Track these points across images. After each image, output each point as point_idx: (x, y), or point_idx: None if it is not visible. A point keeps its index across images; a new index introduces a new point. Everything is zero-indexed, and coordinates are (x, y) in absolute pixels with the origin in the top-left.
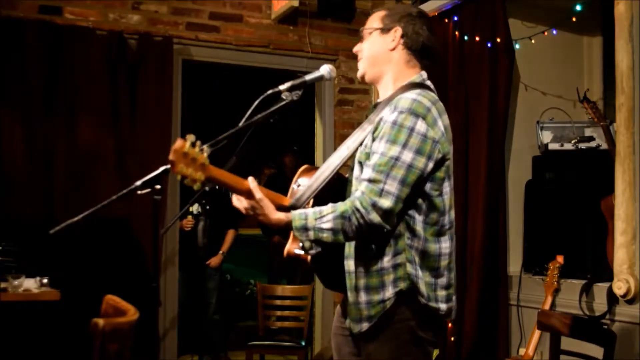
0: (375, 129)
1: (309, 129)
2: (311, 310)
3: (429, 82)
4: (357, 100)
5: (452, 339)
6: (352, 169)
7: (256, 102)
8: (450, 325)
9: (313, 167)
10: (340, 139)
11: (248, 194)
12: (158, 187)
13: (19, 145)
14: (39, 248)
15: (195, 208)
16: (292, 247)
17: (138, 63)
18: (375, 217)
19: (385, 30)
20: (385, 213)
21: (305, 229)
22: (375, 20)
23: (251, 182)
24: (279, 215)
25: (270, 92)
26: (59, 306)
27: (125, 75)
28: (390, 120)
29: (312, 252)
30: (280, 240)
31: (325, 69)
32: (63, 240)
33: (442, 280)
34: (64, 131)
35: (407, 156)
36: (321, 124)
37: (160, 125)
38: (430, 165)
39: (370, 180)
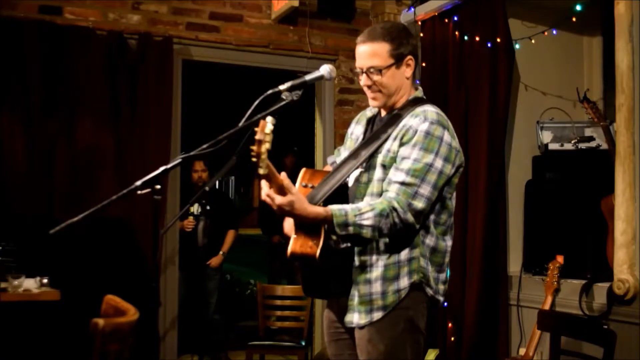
0: (403, 135)
1: (309, 129)
2: (311, 310)
3: (425, 97)
4: (357, 100)
5: (452, 339)
6: (362, 173)
7: (256, 102)
8: (450, 325)
9: (315, 170)
10: (340, 139)
11: (281, 190)
12: (158, 187)
13: (19, 145)
14: (39, 248)
15: (195, 208)
16: (296, 247)
17: (138, 63)
18: (410, 217)
19: (398, 62)
20: (418, 213)
21: (346, 224)
22: (383, 56)
23: (285, 179)
24: (317, 210)
25: (270, 92)
26: (59, 306)
27: (125, 75)
28: (423, 130)
29: (342, 245)
30: (280, 240)
31: (325, 69)
32: (63, 240)
33: (442, 276)
34: (64, 131)
35: (439, 163)
36: (321, 124)
37: (160, 125)
38: (453, 171)
39: (403, 183)
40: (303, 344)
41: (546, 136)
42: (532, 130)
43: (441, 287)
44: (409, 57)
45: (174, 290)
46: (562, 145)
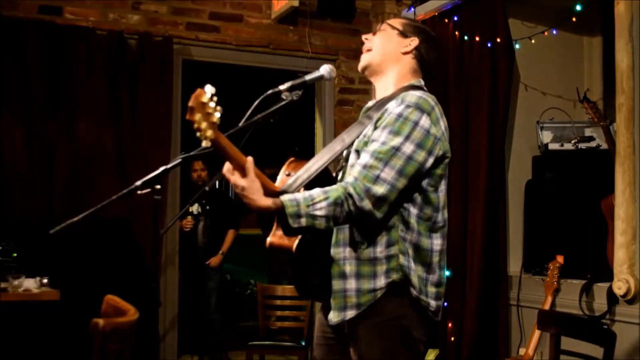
0: (379, 119)
1: (309, 129)
2: (311, 310)
3: (425, 88)
4: (357, 100)
5: (452, 339)
6: (345, 160)
7: (256, 102)
8: (450, 325)
9: (301, 160)
10: None
11: (243, 171)
12: (158, 187)
13: (19, 145)
14: (39, 248)
15: (195, 208)
16: (274, 238)
17: (138, 63)
18: (367, 204)
19: (403, 34)
20: (378, 200)
21: (298, 216)
22: (396, 23)
23: (248, 162)
24: (266, 202)
25: (270, 92)
26: (59, 306)
27: (125, 75)
28: (395, 112)
29: (298, 236)
30: None
31: (325, 69)
32: (63, 240)
33: (433, 277)
34: (64, 131)
35: (408, 148)
36: (321, 124)
37: (160, 125)
38: (430, 160)
39: (365, 166)
40: (303, 344)
41: (546, 136)
42: (532, 130)
43: (432, 289)
44: (415, 39)
45: (174, 290)
46: (562, 145)
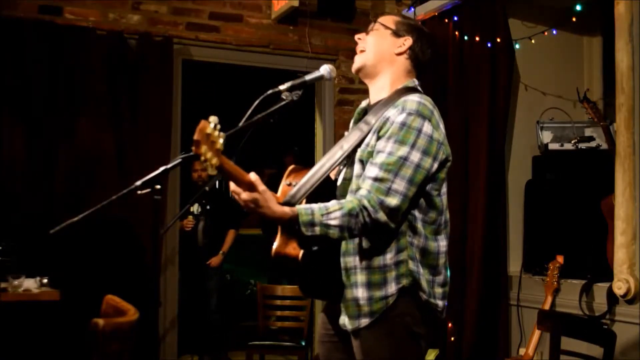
0: (381, 128)
1: (309, 129)
2: (311, 310)
3: (419, 89)
4: (357, 100)
5: (452, 339)
6: (347, 168)
7: (256, 102)
8: (450, 325)
9: (302, 167)
10: (340, 139)
11: (250, 187)
12: (158, 187)
13: (19, 145)
14: (39, 248)
15: (195, 208)
16: (281, 247)
17: (138, 63)
18: (382, 216)
19: (396, 34)
20: (392, 211)
21: (312, 224)
22: (388, 21)
23: (253, 176)
24: (283, 209)
25: (270, 92)
26: (59, 306)
27: (125, 75)
28: (399, 121)
29: (313, 247)
30: None
31: (325, 69)
32: (63, 240)
33: (440, 278)
34: (64, 131)
35: (415, 156)
36: (321, 124)
37: (160, 125)
38: (435, 165)
39: (376, 179)
40: (303, 344)
41: (546, 136)
42: (532, 130)
43: (439, 290)
44: (408, 38)
45: (174, 290)
46: (562, 145)
